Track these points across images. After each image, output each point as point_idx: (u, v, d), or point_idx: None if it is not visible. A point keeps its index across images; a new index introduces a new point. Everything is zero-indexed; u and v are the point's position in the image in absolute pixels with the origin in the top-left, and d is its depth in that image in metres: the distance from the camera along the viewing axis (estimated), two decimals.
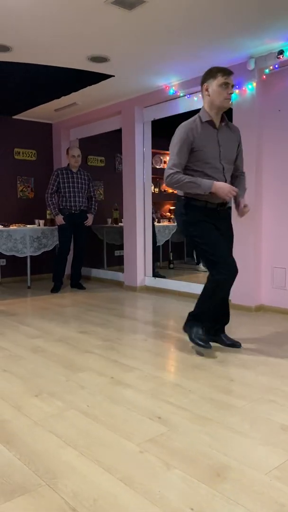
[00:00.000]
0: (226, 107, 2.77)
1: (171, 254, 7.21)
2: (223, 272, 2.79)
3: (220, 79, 2.70)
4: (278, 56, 3.75)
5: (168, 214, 7.83)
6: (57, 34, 3.50)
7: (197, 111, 4.89)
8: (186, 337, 3.05)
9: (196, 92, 4.64)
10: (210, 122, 2.78)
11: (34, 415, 2.06)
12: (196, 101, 4.68)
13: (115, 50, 3.85)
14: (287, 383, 2.41)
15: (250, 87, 4.06)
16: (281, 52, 3.73)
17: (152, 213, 5.85)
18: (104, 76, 4.48)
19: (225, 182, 2.79)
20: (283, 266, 4.08)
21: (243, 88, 4.10)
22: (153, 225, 5.87)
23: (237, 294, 4.31)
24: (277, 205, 4.10)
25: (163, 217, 7.64)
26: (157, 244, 6.63)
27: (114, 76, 4.47)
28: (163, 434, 1.85)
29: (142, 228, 5.43)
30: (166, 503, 1.41)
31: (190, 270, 6.68)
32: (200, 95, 4.55)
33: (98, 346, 3.12)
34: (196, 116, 2.80)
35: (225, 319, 3.07)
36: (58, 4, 2.99)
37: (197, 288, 4.88)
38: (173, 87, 4.73)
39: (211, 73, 2.74)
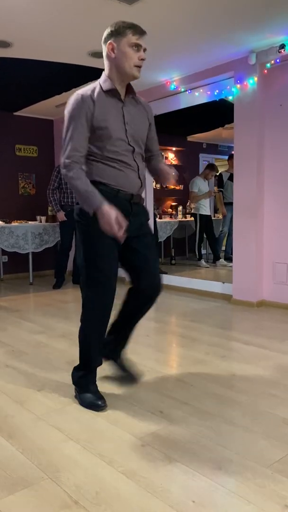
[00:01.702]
0: (135, 77, 2.06)
1: (172, 250, 7.22)
2: (102, 302, 2.15)
3: (130, 38, 1.99)
4: (280, 50, 3.74)
5: (170, 210, 7.82)
6: (57, 30, 3.49)
7: (199, 107, 4.93)
8: (189, 331, 3.05)
9: (198, 88, 4.63)
10: (113, 92, 2.06)
11: (37, 409, 2.07)
12: (198, 96, 4.67)
13: None
14: None
15: (251, 82, 4.04)
16: (282, 46, 3.71)
17: (154, 209, 5.85)
18: None
19: (137, 168, 2.12)
20: (284, 262, 4.08)
21: (245, 83, 4.09)
22: (155, 221, 5.87)
23: (239, 289, 4.32)
24: (278, 200, 4.09)
25: (164, 213, 7.64)
26: (159, 240, 6.64)
27: None
28: (165, 428, 1.86)
29: None
30: (168, 496, 1.42)
31: (192, 266, 6.68)
32: (202, 89, 4.61)
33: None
34: (96, 82, 2.09)
35: (123, 340, 2.38)
36: (59, 0, 2.99)
37: (199, 284, 4.90)
38: (174, 83, 4.72)
39: (119, 28, 2.01)
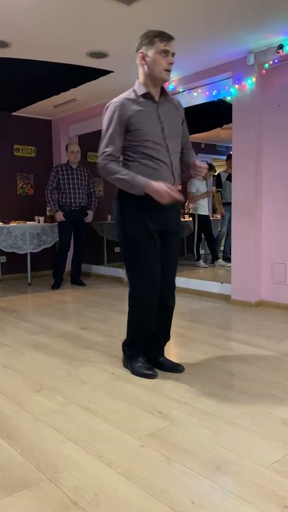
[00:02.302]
0: (165, 80, 2.29)
1: None
2: (148, 286, 2.36)
3: (159, 45, 2.22)
4: (278, 51, 3.74)
5: None
6: (56, 30, 3.49)
7: (197, 106, 4.93)
8: (188, 332, 3.05)
9: (196, 88, 4.63)
10: (148, 95, 2.30)
11: (36, 410, 2.06)
12: (196, 97, 4.67)
13: (114, 46, 3.83)
14: (287, 377, 2.42)
15: (249, 82, 4.04)
16: (280, 46, 3.71)
17: None
18: (103, 72, 4.47)
19: (172, 165, 2.34)
20: (283, 262, 4.08)
21: (243, 83, 4.09)
22: None
23: (238, 289, 4.32)
24: (277, 200, 4.09)
25: None
26: None
27: (113, 71, 4.46)
28: (164, 429, 1.86)
29: None
30: (167, 497, 1.41)
31: (191, 266, 6.68)
32: (200, 90, 4.60)
33: (99, 342, 3.13)
34: (130, 90, 2.34)
35: (162, 340, 2.59)
36: (57, 0, 2.98)
37: (198, 284, 4.90)
38: (173, 83, 4.72)
39: (148, 38, 2.26)
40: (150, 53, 2.26)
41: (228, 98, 4.65)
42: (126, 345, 2.56)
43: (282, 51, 3.71)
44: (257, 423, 1.90)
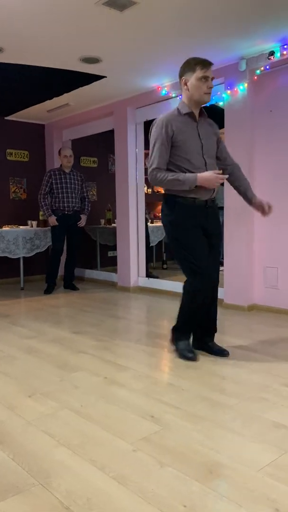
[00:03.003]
0: (206, 102, 2.62)
1: (164, 254, 7.23)
2: (200, 281, 2.67)
3: (199, 73, 2.54)
4: (269, 57, 3.79)
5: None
6: (48, 35, 3.50)
7: None
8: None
9: None
10: (191, 115, 2.64)
11: (28, 415, 2.06)
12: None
13: (107, 51, 3.86)
14: (279, 381, 2.43)
15: (241, 88, 4.08)
16: (272, 53, 3.76)
17: (145, 213, 5.86)
18: (96, 77, 4.49)
19: None
20: (275, 266, 4.11)
21: (235, 89, 4.13)
22: (146, 226, 5.88)
23: (230, 293, 4.34)
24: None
25: (156, 217, 7.65)
26: (150, 245, 6.64)
27: (106, 77, 4.48)
28: (156, 433, 1.87)
29: (135, 228, 5.44)
30: (159, 501, 1.42)
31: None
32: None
33: (92, 346, 3.13)
34: (175, 109, 2.67)
35: (212, 327, 2.93)
36: (49, 5, 3.00)
37: None
38: (165, 88, 4.75)
39: (189, 65, 2.58)
40: (192, 79, 2.56)
41: (221, 104, 4.68)
42: (176, 329, 2.88)
43: (273, 57, 3.76)
44: (248, 427, 1.91)
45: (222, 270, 4.52)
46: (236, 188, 2.88)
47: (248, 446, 1.76)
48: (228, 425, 1.93)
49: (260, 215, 2.90)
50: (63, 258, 5.55)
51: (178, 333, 2.86)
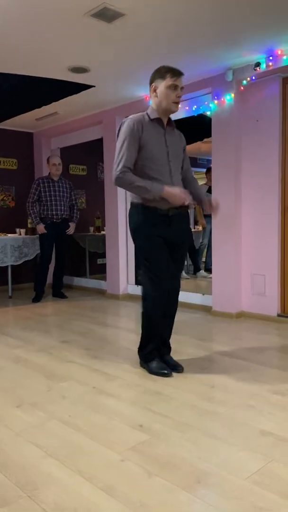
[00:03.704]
0: (173, 111, 2.58)
1: None
2: (156, 291, 2.60)
3: (168, 81, 2.49)
4: (255, 68, 3.85)
5: None
6: (37, 45, 3.52)
7: (178, 121, 5.00)
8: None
9: None
10: (158, 121, 2.59)
11: (15, 426, 2.04)
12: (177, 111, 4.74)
13: (95, 61, 3.89)
14: (267, 388, 2.45)
15: (228, 98, 4.14)
16: (257, 64, 3.83)
17: None
18: (85, 86, 4.52)
19: (173, 184, 2.59)
20: (262, 273, 4.15)
21: (222, 99, 4.18)
22: None
23: (218, 301, 4.37)
24: (255, 212, 4.17)
25: None
26: None
27: (94, 86, 4.51)
28: (145, 442, 1.87)
29: (124, 236, 5.45)
30: (147, 511, 1.42)
31: None
32: (180, 105, 4.68)
33: (80, 356, 3.12)
34: (144, 113, 2.62)
35: (168, 339, 2.86)
36: (39, 15, 3.02)
37: (180, 296, 4.88)
38: None
39: (160, 72, 2.53)
40: (161, 86, 2.52)
41: (208, 113, 4.74)
42: (141, 350, 2.79)
43: (259, 68, 3.82)
44: (236, 435, 1.92)
45: (211, 278, 4.56)
46: (192, 194, 2.76)
47: (236, 454, 1.77)
48: (216, 433, 1.94)
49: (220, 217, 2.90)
50: (51, 266, 5.54)
51: (146, 353, 2.74)
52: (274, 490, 1.51)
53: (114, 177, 2.51)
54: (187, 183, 2.82)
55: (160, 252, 2.60)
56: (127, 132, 2.50)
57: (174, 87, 2.50)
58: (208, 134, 4.51)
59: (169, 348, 2.86)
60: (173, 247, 2.67)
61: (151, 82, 2.59)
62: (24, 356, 3.12)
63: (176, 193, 2.48)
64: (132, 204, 2.66)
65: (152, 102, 2.61)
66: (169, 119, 2.68)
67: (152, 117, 2.58)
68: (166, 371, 2.66)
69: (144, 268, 2.65)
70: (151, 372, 2.68)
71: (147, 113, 2.60)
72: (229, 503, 1.45)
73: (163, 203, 2.54)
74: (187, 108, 4.67)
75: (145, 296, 2.67)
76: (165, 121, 2.63)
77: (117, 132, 2.60)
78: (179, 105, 2.61)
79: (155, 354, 2.74)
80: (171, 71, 2.50)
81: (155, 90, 2.56)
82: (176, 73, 2.51)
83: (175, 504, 1.45)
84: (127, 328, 4.05)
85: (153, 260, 2.60)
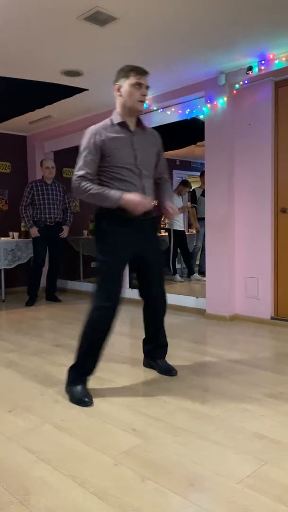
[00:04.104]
0: (139, 110, 2.47)
1: None
2: (109, 301, 2.44)
3: (132, 79, 2.41)
4: (248, 72, 3.87)
5: None
6: (30, 48, 3.52)
7: (171, 125, 5.02)
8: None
9: (170, 106, 4.73)
10: (123, 124, 2.47)
11: (8, 430, 2.03)
12: (170, 115, 4.76)
13: (88, 65, 3.89)
14: (260, 391, 2.45)
15: (221, 102, 4.16)
16: (250, 68, 3.85)
17: None
18: (78, 90, 4.52)
19: (144, 188, 2.47)
20: (255, 276, 4.16)
21: (215, 103, 4.20)
22: None
23: (212, 304, 4.37)
24: (248, 215, 4.19)
25: None
26: None
27: (88, 89, 4.52)
28: (138, 446, 1.86)
29: None
30: None
31: (167, 281, 6.69)
32: (173, 108, 4.71)
33: (74, 360, 3.09)
34: (108, 119, 2.52)
35: (161, 342, 2.80)
36: (31, 19, 3.02)
37: (174, 299, 4.92)
38: (147, 101, 4.79)
39: (124, 71, 2.45)
40: (125, 85, 2.43)
41: (201, 117, 4.76)
42: (72, 369, 2.48)
43: (252, 72, 3.84)
44: (229, 438, 1.92)
45: (205, 281, 4.56)
46: (157, 196, 2.71)
47: (229, 457, 1.76)
48: (210, 436, 1.93)
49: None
50: (45, 269, 5.52)
51: (75, 374, 2.44)
52: (268, 494, 1.51)
53: (72, 187, 2.41)
54: (159, 187, 2.71)
55: (120, 267, 2.47)
56: (86, 142, 2.41)
57: (138, 85, 2.42)
58: (202, 138, 4.52)
59: (165, 351, 2.83)
60: (144, 252, 2.55)
61: (115, 81, 2.49)
62: (17, 360, 3.10)
63: (136, 201, 2.33)
64: (98, 208, 2.49)
65: (116, 104, 2.51)
66: (138, 119, 2.55)
67: (115, 121, 2.47)
68: (86, 400, 2.31)
69: (99, 275, 2.48)
70: (72, 398, 2.36)
71: (110, 119, 2.51)
72: (222, 507, 1.44)
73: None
74: (180, 111, 4.68)
75: (94, 307, 2.48)
76: (132, 123, 2.51)
77: (85, 132, 2.49)
78: (144, 104, 2.50)
79: (84, 379, 2.45)
80: (135, 69, 2.43)
81: (119, 90, 2.47)
82: (140, 71, 2.43)
83: (168, 508, 1.44)
84: (121, 331, 4.04)
85: (111, 267, 2.44)
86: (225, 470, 1.67)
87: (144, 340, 2.88)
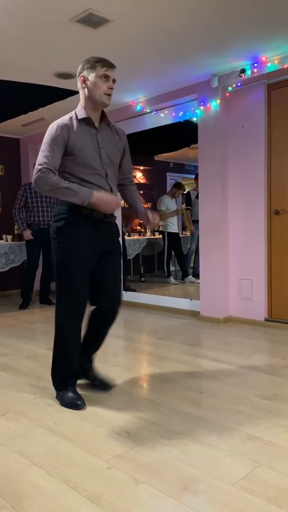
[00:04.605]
0: (105, 104, 2.29)
1: (142, 267, 7.24)
2: (73, 308, 2.36)
3: (99, 70, 2.25)
4: (240, 75, 3.89)
5: (138, 228, 7.87)
6: (23, 50, 3.51)
7: (165, 127, 5.03)
8: (158, 349, 3.05)
9: (163, 109, 4.74)
10: (87, 120, 2.30)
11: (0, 434, 2.01)
12: (163, 117, 4.77)
13: None
14: (254, 393, 2.45)
15: (214, 104, 4.17)
16: (243, 71, 3.86)
17: (122, 226, 5.87)
18: (71, 92, 4.51)
19: (110, 190, 2.34)
20: (249, 278, 4.17)
21: (208, 105, 4.21)
22: (123, 239, 5.89)
23: (206, 306, 4.37)
24: (242, 217, 4.20)
25: (133, 230, 7.68)
26: (128, 258, 6.65)
27: None
28: (132, 449, 1.84)
29: None
30: None
31: (161, 283, 6.71)
32: (166, 111, 4.71)
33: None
34: (72, 112, 2.33)
35: (92, 351, 2.60)
36: (24, 22, 3.01)
37: (168, 301, 4.92)
38: (140, 104, 4.81)
39: (89, 63, 2.28)
40: (91, 77, 2.27)
41: (194, 119, 4.77)
42: (54, 376, 2.45)
43: (244, 75, 3.86)
44: (224, 440, 1.91)
45: (199, 283, 4.56)
46: (127, 202, 2.63)
47: (223, 460, 1.75)
48: (204, 439, 1.93)
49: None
50: (38, 272, 5.49)
51: (59, 380, 2.42)
52: (262, 496, 1.50)
53: (34, 177, 2.19)
54: (125, 187, 2.58)
55: (85, 271, 2.32)
56: (50, 135, 2.23)
57: (105, 77, 2.26)
58: (195, 140, 4.53)
59: (92, 362, 2.62)
60: (106, 256, 2.38)
61: (80, 73, 2.32)
62: (10, 363, 3.08)
63: (107, 200, 2.22)
64: (61, 203, 2.30)
65: (81, 97, 2.34)
66: (103, 114, 2.38)
67: (80, 116, 2.29)
68: (79, 403, 2.30)
69: (60, 283, 2.34)
70: (63, 404, 2.33)
71: (75, 113, 2.32)
72: (216, 510, 1.43)
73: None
74: (173, 114, 4.69)
75: (59, 316, 2.41)
76: (97, 118, 2.34)
77: (49, 126, 2.31)
78: (111, 98, 2.32)
79: (69, 384, 2.39)
80: (101, 60, 2.28)
81: (84, 81, 2.29)
82: (107, 63, 2.28)
83: None
84: (114, 334, 4.02)
85: (73, 274, 2.30)
86: (219, 472, 1.66)
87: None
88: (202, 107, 4.26)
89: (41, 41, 3.34)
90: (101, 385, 2.55)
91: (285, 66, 3.62)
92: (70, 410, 2.27)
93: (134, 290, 5.60)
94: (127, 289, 5.57)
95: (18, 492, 1.56)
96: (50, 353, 3.30)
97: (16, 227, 5.57)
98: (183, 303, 4.74)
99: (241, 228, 4.21)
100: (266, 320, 4.09)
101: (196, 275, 6.57)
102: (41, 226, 5.28)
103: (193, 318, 4.46)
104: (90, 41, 3.35)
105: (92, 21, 3.02)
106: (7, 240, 5.64)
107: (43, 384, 2.66)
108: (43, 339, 3.82)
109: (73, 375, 2.42)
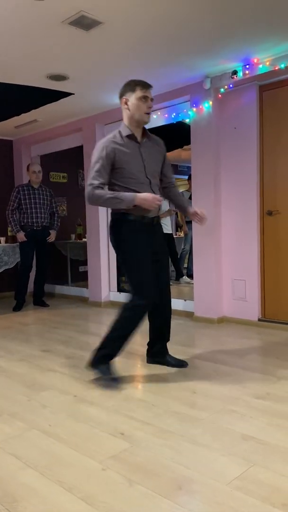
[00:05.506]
0: (145, 122, 2.67)
1: None
2: (142, 301, 2.63)
3: (139, 93, 2.60)
4: (232, 76, 3.91)
5: None
6: (15, 53, 3.51)
7: (158, 128, 5.04)
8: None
9: (155, 110, 4.75)
10: (131, 137, 2.66)
11: None
12: (156, 119, 4.78)
13: (74, 69, 3.89)
14: (248, 392, 2.46)
15: (206, 106, 4.19)
16: (234, 72, 3.88)
17: None
18: (64, 94, 4.51)
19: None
20: (242, 278, 4.18)
21: (200, 107, 4.23)
22: None
23: (200, 306, 4.38)
24: (235, 218, 4.21)
25: None
26: None
27: (73, 94, 4.51)
28: (126, 450, 1.85)
29: (106, 243, 5.44)
30: None
31: None
32: (159, 112, 4.72)
33: (61, 364, 3.08)
34: (116, 131, 2.69)
35: (165, 338, 2.97)
36: (16, 23, 3.01)
37: None
38: None
39: (130, 86, 2.64)
40: (132, 99, 2.62)
41: (187, 120, 4.78)
42: (100, 350, 2.71)
43: (236, 76, 3.88)
44: (218, 440, 1.92)
45: (193, 284, 4.57)
46: (173, 202, 2.98)
47: (217, 459, 1.76)
48: (198, 439, 1.93)
49: (200, 225, 2.98)
50: (32, 274, 5.48)
51: (103, 355, 2.70)
52: (256, 495, 1.51)
53: (86, 196, 2.59)
54: (169, 190, 2.92)
55: (148, 263, 2.66)
56: (97, 155, 2.59)
57: (144, 98, 2.61)
58: (188, 142, 4.54)
59: (165, 345, 3.00)
60: (157, 255, 2.75)
61: (121, 95, 2.67)
62: (4, 366, 3.07)
63: (148, 196, 2.53)
64: (115, 215, 2.69)
65: (124, 117, 2.69)
66: (144, 130, 2.74)
67: (124, 134, 2.65)
68: (114, 382, 2.64)
69: (132, 279, 2.67)
70: (100, 373, 2.68)
71: (119, 131, 2.67)
72: (211, 509, 1.44)
73: (147, 211, 2.61)
74: (166, 115, 4.70)
75: (130, 304, 2.67)
76: (139, 134, 2.70)
77: (96, 145, 2.67)
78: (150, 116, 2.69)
79: (109, 359, 2.71)
80: (141, 83, 2.62)
81: (126, 103, 2.64)
82: (145, 85, 2.63)
83: None
84: None
85: (142, 270, 2.63)
86: (213, 472, 1.67)
87: (151, 342, 3.01)
88: (194, 109, 4.28)
89: (33, 43, 3.34)
90: (179, 365, 2.90)
91: (276, 68, 3.65)
92: (64, 412, 2.27)
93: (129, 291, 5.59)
94: (121, 290, 5.57)
95: (12, 494, 1.56)
96: (44, 355, 3.31)
97: (9, 229, 5.54)
98: (177, 304, 4.75)
99: (234, 229, 4.23)
100: (259, 320, 4.11)
101: (190, 276, 6.58)
102: (35, 228, 5.27)
103: (187, 319, 4.47)
104: (83, 43, 3.35)
105: (84, 23, 3.02)
106: (0, 242, 5.62)
107: (37, 386, 2.65)
108: (37, 340, 3.81)
109: (115, 356, 2.71)
